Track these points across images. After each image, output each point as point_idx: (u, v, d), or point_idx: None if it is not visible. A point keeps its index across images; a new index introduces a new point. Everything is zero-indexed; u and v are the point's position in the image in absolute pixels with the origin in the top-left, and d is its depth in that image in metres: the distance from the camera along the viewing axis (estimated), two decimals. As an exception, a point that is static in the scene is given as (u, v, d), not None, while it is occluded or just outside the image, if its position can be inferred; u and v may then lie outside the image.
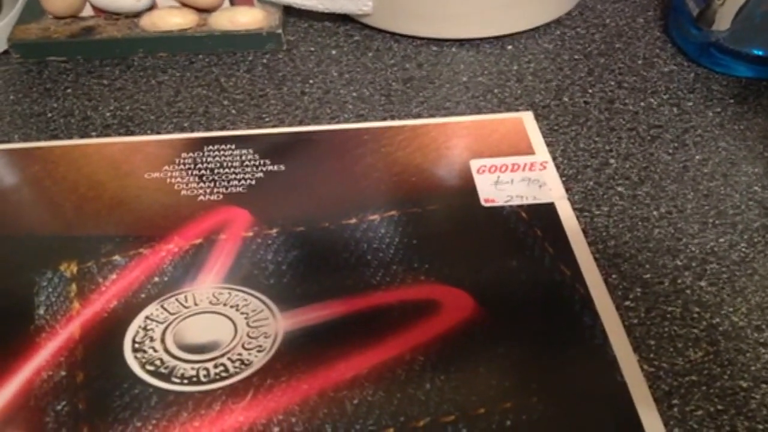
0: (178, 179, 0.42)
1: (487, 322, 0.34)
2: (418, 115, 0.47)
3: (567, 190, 0.42)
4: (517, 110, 0.47)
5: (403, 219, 0.40)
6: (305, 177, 0.42)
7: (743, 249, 0.38)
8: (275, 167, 0.43)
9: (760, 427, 0.31)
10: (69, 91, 0.49)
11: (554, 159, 0.43)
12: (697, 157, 0.43)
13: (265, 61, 0.52)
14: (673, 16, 0.52)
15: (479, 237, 0.39)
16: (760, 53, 0.49)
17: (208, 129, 0.46)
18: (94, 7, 0.52)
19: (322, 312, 0.35)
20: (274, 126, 0.46)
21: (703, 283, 0.37)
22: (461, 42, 0.53)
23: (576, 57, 0.51)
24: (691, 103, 0.47)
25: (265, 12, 0.52)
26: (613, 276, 0.37)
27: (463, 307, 0.35)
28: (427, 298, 0.36)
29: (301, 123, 0.47)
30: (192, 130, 0.46)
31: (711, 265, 0.37)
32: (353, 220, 0.40)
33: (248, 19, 0.51)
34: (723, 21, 0.46)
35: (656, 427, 0.30)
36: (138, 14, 0.52)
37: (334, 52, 0.52)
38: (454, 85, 0.49)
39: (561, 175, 0.42)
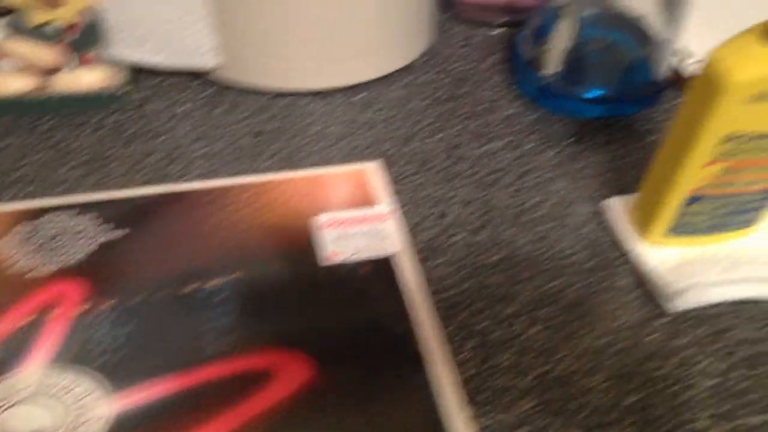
0: (10, 255, 0.39)
1: (322, 384, 0.34)
2: (267, 170, 0.46)
3: (410, 240, 0.41)
4: (367, 160, 0.47)
5: (245, 281, 0.39)
6: (148, 242, 0.40)
7: (574, 292, 0.39)
8: (118, 232, 0.41)
9: (584, 473, 0.31)
10: None
11: (399, 209, 0.43)
12: (534, 199, 0.44)
13: (113, 119, 0.50)
14: (514, 60, 0.53)
15: (320, 295, 0.38)
16: (595, 94, 0.50)
17: (49, 195, 0.43)
18: (-71, 73, 0.49)
19: (156, 389, 0.33)
20: (119, 188, 0.44)
21: (536, 329, 0.37)
22: (313, 93, 0.52)
23: (424, 103, 0.51)
24: (531, 145, 0.48)
25: (110, 71, 0.50)
26: (450, 327, 0.37)
27: (299, 370, 0.35)
28: (265, 365, 0.35)
29: (147, 183, 0.45)
30: (33, 197, 0.43)
31: (544, 310, 0.38)
32: (194, 286, 0.39)
33: (92, 78, 0.49)
34: (552, 65, 0.47)
35: (484, 484, 0.30)
36: (-24, 78, 0.49)
37: (185, 107, 0.51)
38: (305, 137, 0.48)
39: (405, 225, 0.42)
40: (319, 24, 0.48)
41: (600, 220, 0.43)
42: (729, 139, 0.33)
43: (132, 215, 0.42)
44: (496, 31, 0.60)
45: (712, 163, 0.34)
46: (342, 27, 0.49)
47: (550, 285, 0.39)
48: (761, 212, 0.38)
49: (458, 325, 0.37)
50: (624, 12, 0.49)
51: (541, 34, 0.48)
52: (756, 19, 0.32)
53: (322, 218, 0.42)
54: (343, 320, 0.37)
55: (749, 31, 0.31)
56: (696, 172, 0.34)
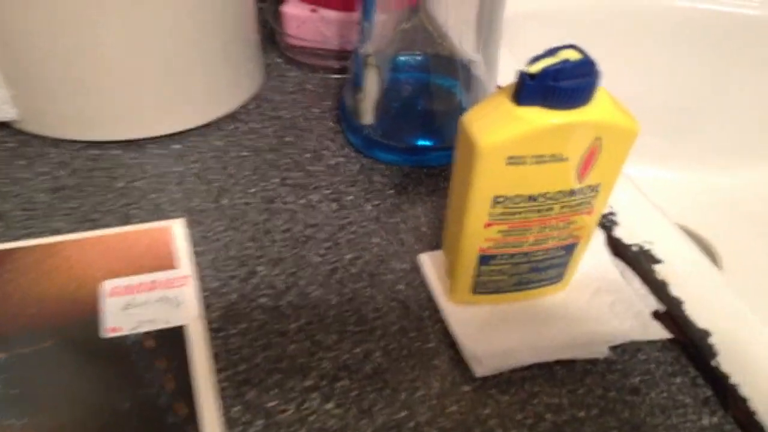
0: None
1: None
2: (58, 231, 0.39)
3: (207, 306, 0.36)
4: (171, 217, 0.41)
5: (8, 363, 0.32)
6: None
7: (378, 359, 0.34)
8: None
9: None
10: None
11: (200, 271, 0.38)
12: (348, 256, 0.39)
13: None
14: (342, 107, 0.49)
15: (94, 376, 0.32)
16: (423, 142, 0.46)
17: None
18: None
19: None
20: None
21: (330, 405, 0.32)
22: (126, 143, 0.46)
23: (244, 154, 0.46)
24: (351, 197, 0.43)
25: None
26: (236, 408, 0.31)
27: (53, 472, 0.28)
28: (14, 465, 0.28)
29: None
30: None
31: (342, 382, 0.33)
32: (-53, 371, 0.32)
33: None
34: (367, 115, 0.43)
35: None
36: None
37: (-21, 161, 0.44)
38: (108, 192, 0.42)
39: (204, 290, 0.36)
40: (125, 72, 0.42)
41: (414, 277, 0.38)
42: (498, 201, 0.29)
43: None
44: (334, 77, 0.55)
45: (491, 224, 0.30)
46: (151, 75, 0.43)
47: (354, 352, 0.34)
48: (567, 267, 0.35)
49: (246, 405, 0.31)
50: (453, 57, 0.45)
51: (357, 82, 0.44)
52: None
53: (112, 284, 0.36)
54: (116, 405, 0.31)
55: (501, 92, 0.27)
56: (478, 232, 0.30)
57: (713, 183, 0.73)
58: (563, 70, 0.25)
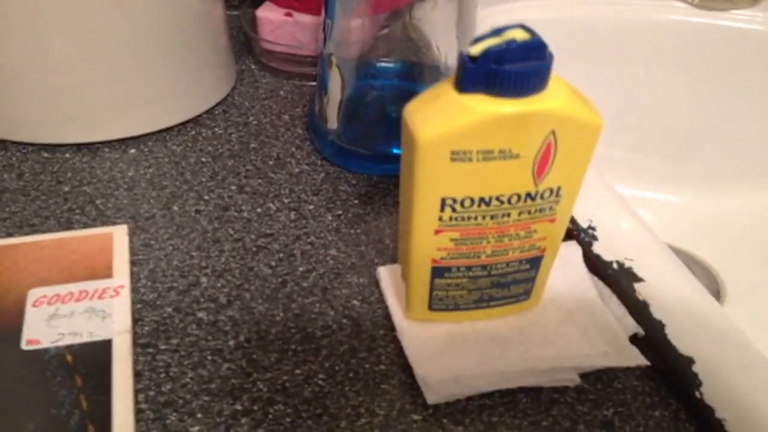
0: None
1: None
2: (-6, 236, 0.37)
3: (138, 320, 0.33)
4: (114, 223, 0.38)
5: None
6: None
7: (319, 381, 0.31)
8: None
9: None
10: None
11: (137, 281, 0.35)
12: (301, 268, 0.36)
13: None
14: (310, 113, 0.46)
15: (5, 393, 0.29)
16: (396, 150, 0.43)
17: None
18: None
19: None
20: None
21: (259, 432, 0.28)
22: (79, 146, 0.44)
23: (203, 159, 0.44)
24: (311, 207, 0.40)
25: None
26: (155, 432, 0.28)
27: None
28: None
29: None
30: None
31: (276, 407, 0.30)
32: None
33: None
34: (331, 120, 0.40)
35: None
36: None
37: None
38: (52, 196, 0.40)
39: (137, 302, 0.34)
40: (75, 73, 0.40)
41: (372, 292, 0.35)
42: (445, 204, 0.26)
43: None
44: (309, 84, 0.53)
45: (441, 230, 0.27)
46: (103, 77, 0.41)
47: (294, 373, 0.31)
48: (535, 283, 0.31)
49: (165, 429, 0.28)
50: (428, 63, 0.42)
51: (323, 85, 0.41)
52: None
53: (38, 293, 0.34)
54: (20, 424, 0.28)
55: (447, 79, 0.24)
56: (428, 241, 0.27)
57: (721, 207, 0.69)
58: (507, 52, 0.22)
